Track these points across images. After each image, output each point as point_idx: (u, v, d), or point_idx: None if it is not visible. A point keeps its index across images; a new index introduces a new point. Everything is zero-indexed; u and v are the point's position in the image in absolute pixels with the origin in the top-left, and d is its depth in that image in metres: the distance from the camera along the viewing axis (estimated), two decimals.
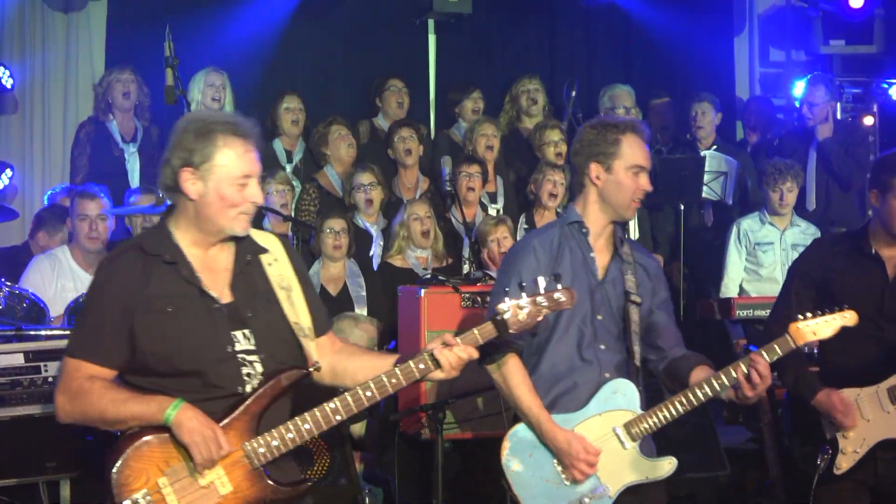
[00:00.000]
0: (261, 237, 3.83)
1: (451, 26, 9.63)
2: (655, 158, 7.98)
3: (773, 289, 7.70)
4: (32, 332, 5.66)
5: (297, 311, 3.76)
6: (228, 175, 3.61)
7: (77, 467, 5.44)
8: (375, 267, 7.78)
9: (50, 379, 5.35)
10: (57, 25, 8.77)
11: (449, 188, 7.84)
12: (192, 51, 8.23)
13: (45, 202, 8.09)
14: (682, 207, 8.50)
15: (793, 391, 4.99)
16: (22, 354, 5.38)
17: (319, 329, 3.84)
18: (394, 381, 3.68)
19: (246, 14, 9.10)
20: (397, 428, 6.02)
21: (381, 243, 7.92)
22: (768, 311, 5.21)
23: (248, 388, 3.63)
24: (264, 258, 3.78)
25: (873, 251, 4.93)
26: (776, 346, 4.30)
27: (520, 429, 4.40)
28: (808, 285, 4.98)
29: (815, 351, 5.11)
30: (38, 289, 6.61)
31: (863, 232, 5.02)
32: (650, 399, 4.45)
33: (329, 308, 7.19)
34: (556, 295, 3.85)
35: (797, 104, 8.95)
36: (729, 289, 8.11)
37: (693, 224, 8.86)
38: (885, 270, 4.90)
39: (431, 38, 9.76)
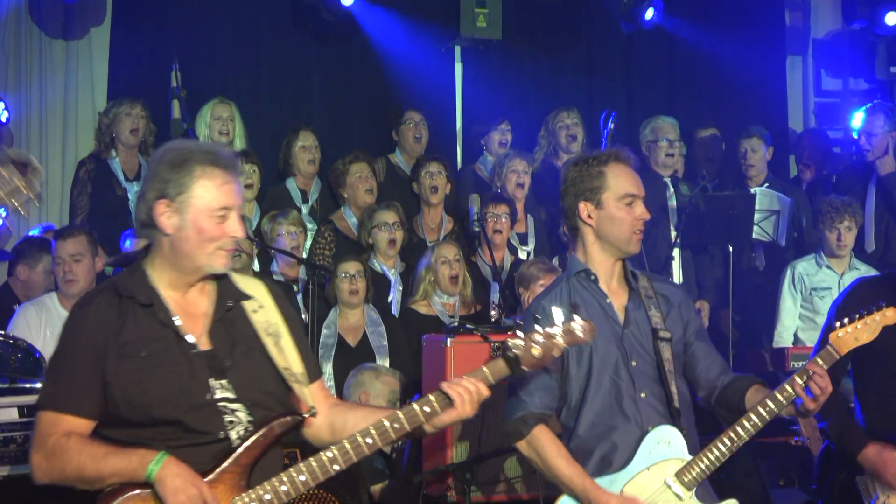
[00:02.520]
0: (244, 282, 3.77)
1: (480, 53, 9.49)
2: (700, 196, 7.89)
3: None
4: (28, 386, 5.45)
5: (288, 357, 3.69)
6: (206, 207, 3.55)
7: None
8: (394, 314, 7.60)
9: None
10: (56, 54, 8.68)
11: (477, 228, 7.59)
12: (201, 82, 8.26)
13: None
14: (731, 249, 8.24)
15: (836, 442, 4.79)
16: (16, 409, 5.12)
17: (312, 375, 3.78)
18: (396, 425, 3.58)
19: (257, 43, 9.09)
20: (421, 490, 5.98)
21: (400, 288, 7.72)
22: None
23: (234, 434, 3.55)
24: (248, 305, 3.72)
25: None
26: (819, 360, 4.20)
27: (564, 501, 4.27)
28: None
29: (851, 404, 4.93)
30: (26, 337, 6.41)
31: None
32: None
33: (347, 360, 7.02)
34: (574, 326, 3.76)
35: (855, 136, 8.74)
36: (783, 338, 7.91)
37: (743, 267, 8.62)
38: None
39: (458, 67, 9.65)
